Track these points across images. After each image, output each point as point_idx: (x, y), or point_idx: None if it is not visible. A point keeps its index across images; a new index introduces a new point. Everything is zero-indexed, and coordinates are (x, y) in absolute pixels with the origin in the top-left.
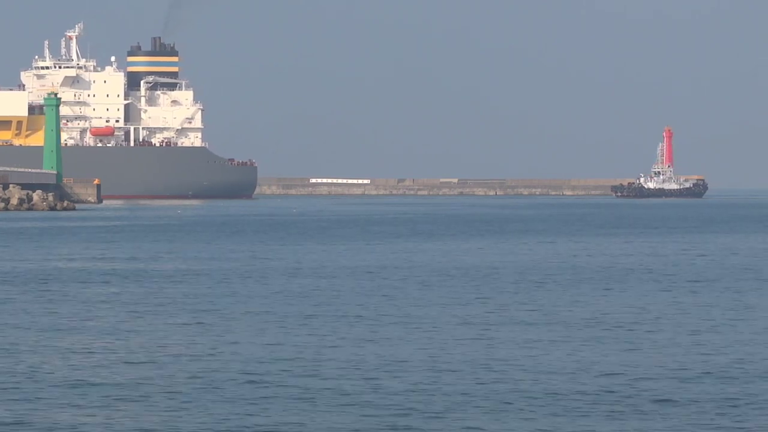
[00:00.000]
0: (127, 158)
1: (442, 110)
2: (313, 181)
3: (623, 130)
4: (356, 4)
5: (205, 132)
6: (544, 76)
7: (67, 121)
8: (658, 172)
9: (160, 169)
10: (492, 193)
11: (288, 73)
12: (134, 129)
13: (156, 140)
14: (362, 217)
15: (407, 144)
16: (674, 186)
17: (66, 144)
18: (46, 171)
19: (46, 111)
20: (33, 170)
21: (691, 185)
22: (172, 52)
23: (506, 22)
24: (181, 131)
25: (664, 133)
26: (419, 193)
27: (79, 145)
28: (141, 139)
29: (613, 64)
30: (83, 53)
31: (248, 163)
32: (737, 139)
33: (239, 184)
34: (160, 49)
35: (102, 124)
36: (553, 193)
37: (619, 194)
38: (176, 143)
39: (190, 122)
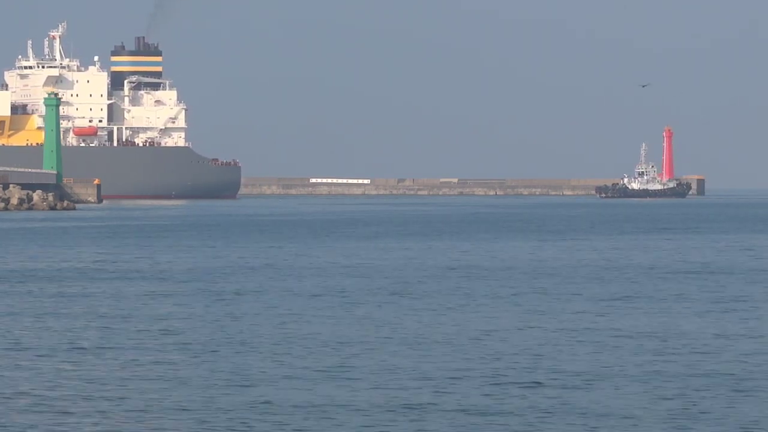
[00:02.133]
0: (110, 158)
1: (443, 110)
2: (313, 181)
3: (623, 129)
4: (350, 7)
5: (189, 132)
6: (544, 76)
7: None
8: (642, 173)
9: (143, 169)
10: (492, 193)
11: (274, 73)
12: (117, 129)
13: (139, 140)
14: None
15: (407, 144)
16: (658, 186)
17: None
18: (46, 171)
19: (46, 111)
20: (33, 170)
21: (675, 185)
22: (156, 52)
23: (506, 22)
24: (165, 131)
25: (664, 133)
26: (419, 193)
27: (62, 146)
28: (124, 139)
29: (615, 63)
30: (67, 53)
31: (232, 163)
32: (737, 139)
33: (223, 184)
34: (144, 48)
35: (85, 123)
36: (553, 193)
37: (604, 195)
38: (159, 143)
39: (173, 122)
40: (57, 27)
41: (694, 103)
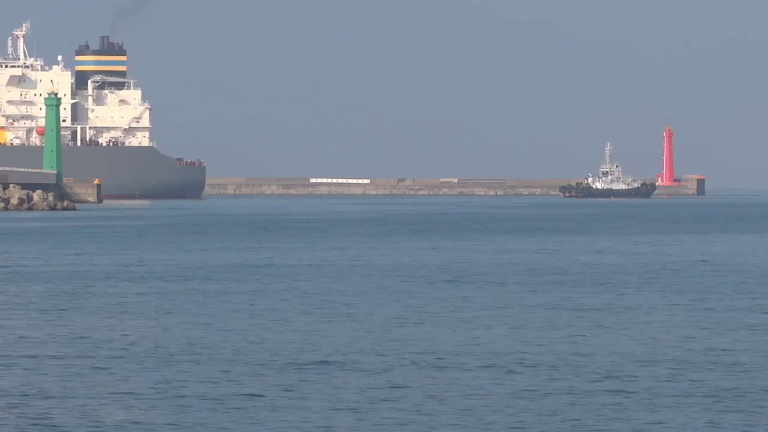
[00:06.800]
0: (73, 158)
1: (443, 110)
2: (313, 180)
3: (623, 129)
4: (348, 7)
5: (153, 131)
6: (545, 77)
7: (13, 120)
8: (607, 172)
9: (107, 169)
10: (492, 193)
11: (242, 73)
12: (81, 128)
13: (103, 140)
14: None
15: (407, 144)
16: (622, 186)
17: (12, 143)
18: (46, 171)
19: (46, 111)
20: (33, 170)
21: (639, 185)
22: (120, 52)
23: (506, 23)
24: (129, 131)
25: (664, 133)
26: (419, 192)
27: (25, 145)
28: (88, 139)
29: (615, 63)
30: (30, 52)
31: (196, 162)
32: (738, 139)
33: (187, 184)
34: (108, 48)
35: None
36: (553, 193)
37: (568, 194)
38: (123, 143)
39: (137, 122)
40: (20, 26)
41: (694, 103)
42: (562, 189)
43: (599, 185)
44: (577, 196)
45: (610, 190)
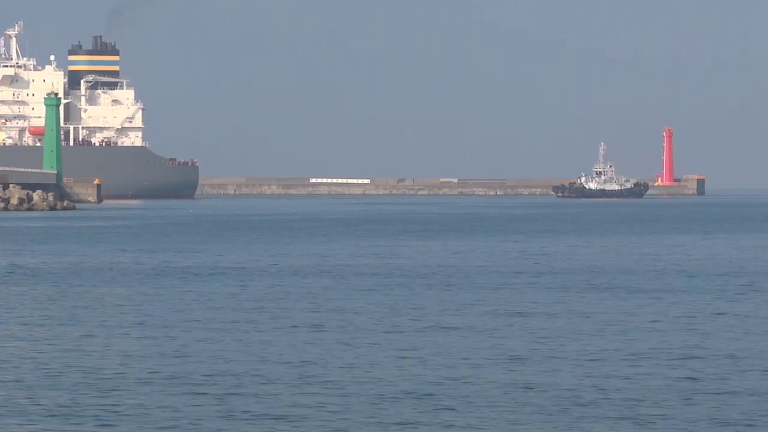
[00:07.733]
0: (66, 158)
1: (443, 110)
2: (313, 180)
3: (623, 130)
4: (347, 10)
5: (146, 131)
6: (544, 76)
7: (6, 120)
8: (600, 173)
9: (99, 169)
10: (492, 193)
11: (239, 73)
12: (74, 128)
13: (96, 140)
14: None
15: (407, 144)
16: (615, 186)
17: (4, 143)
18: (46, 171)
19: (46, 111)
20: (33, 170)
21: (632, 186)
22: (113, 51)
23: (507, 20)
24: (122, 131)
25: (664, 133)
26: (419, 192)
27: (18, 145)
28: (81, 139)
29: (614, 63)
30: (23, 52)
31: (189, 163)
32: (738, 139)
33: (180, 184)
34: (101, 48)
35: (41, 123)
36: (553, 193)
37: (560, 194)
38: (116, 143)
39: (130, 122)
40: (13, 26)
41: (694, 104)
42: (555, 189)
43: (592, 185)
44: (570, 197)
45: (603, 190)
